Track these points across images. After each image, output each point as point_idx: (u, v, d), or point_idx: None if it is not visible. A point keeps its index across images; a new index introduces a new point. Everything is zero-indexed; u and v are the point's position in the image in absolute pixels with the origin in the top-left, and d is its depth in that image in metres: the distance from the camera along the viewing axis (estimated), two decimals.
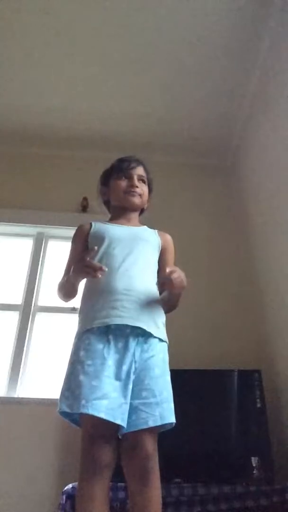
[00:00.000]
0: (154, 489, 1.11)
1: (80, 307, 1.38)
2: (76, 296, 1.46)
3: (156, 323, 1.30)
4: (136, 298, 1.29)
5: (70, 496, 1.61)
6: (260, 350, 2.39)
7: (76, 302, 2.58)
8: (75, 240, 1.54)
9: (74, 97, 2.77)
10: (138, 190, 1.53)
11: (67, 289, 1.44)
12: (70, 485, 1.67)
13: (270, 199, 2.43)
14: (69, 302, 1.49)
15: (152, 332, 1.26)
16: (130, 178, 1.53)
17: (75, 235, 1.54)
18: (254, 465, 1.84)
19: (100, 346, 1.22)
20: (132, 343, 1.23)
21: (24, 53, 2.50)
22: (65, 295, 1.46)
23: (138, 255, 1.39)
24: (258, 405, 2.06)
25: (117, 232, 1.45)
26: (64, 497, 1.64)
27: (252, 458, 1.86)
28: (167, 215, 2.60)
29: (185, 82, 2.65)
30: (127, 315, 1.25)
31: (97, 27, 2.35)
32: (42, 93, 2.74)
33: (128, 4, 2.23)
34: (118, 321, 1.24)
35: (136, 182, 1.53)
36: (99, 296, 1.30)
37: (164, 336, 1.32)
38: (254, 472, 1.82)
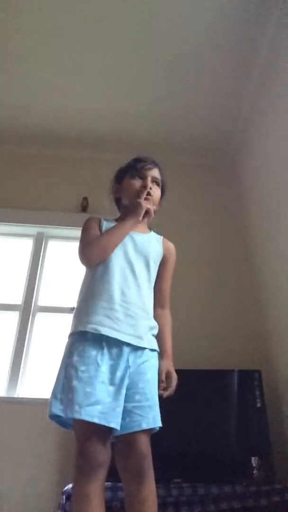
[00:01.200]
0: (150, 489, 1.13)
1: (76, 308, 1.36)
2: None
3: (148, 336, 1.31)
4: (131, 312, 1.29)
5: (70, 496, 1.61)
6: (260, 350, 2.39)
7: (76, 302, 2.59)
8: (90, 225, 1.46)
9: (74, 97, 2.76)
10: (151, 192, 1.49)
11: (116, 239, 1.38)
12: (70, 485, 1.66)
13: (270, 198, 2.43)
14: (103, 259, 1.36)
15: (143, 346, 1.28)
16: (144, 178, 1.49)
17: (90, 222, 1.47)
18: (254, 465, 1.84)
19: (93, 352, 1.22)
20: (126, 349, 1.25)
21: (24, 53, 2.50)
22: (110, 246, 1.37)
23: (139, 267, 1.39)
24: (258, 405, 2.06)
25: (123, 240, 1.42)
26: (64, 497, 1.64)
27: (252, 458, 1.86)
28: (167, 215, 2.59)
29: (185, 82, 2.65)
30: (121, 329, 1.25)
31: (97, 27, 2.35)
32: (42, 93, 2.74)
33: (128, 4, 2.23)
34: (110, 333, 1.24)
35: (150, 183, 1.49)
36: (96, 301, 1.30)
37: (155, 346, 1.34)
38: (254, 472, 1.82)
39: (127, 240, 1.41)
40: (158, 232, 1.58)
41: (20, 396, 2.33)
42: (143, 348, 1.27)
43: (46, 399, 2.21)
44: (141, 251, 1.42)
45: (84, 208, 2.84)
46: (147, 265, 1.42)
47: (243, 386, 2.12)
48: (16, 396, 2.32)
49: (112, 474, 1.17)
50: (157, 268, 1.47)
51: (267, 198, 2.49)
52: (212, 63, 2.53)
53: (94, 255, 1.37)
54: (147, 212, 1.43)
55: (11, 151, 3.06)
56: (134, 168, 1.53)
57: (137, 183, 1.49)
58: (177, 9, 2.24)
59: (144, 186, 1.47)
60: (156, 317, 1.40)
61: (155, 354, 1.33)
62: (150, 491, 1.12)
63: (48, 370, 2.41)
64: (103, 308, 1.27)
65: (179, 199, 2.96)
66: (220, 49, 2.44)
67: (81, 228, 2.42)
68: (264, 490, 1.70)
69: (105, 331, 1.24)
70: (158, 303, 1.45)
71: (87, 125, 2.96)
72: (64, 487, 1.69)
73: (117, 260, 1.36)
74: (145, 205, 1.43)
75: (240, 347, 2.40)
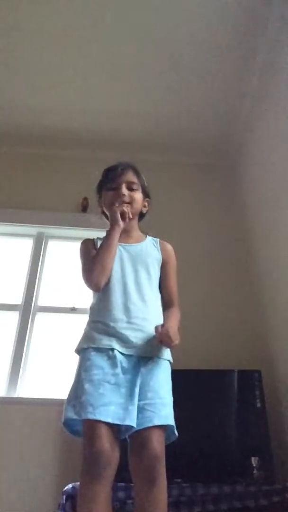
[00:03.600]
0: (161, 491, 1.12)
1: (86, 326, 1.38)
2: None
3: (159, 347, 1.30)
4: (139, 326, 1.30)
5: (70, 496, 1.61)
6: (260, 350, 2.38)
7: (76, 302, 2.60)
8: (86, 249, 1.47)
9: (74, 97, 2.76)
10: (125, 198, 1.47)
11: (107, 255, 1.37)
12: (70, 485, 1.66)
13: (271, 198, 2.43)
14: (106, 279, 1.36)
15: (155, 356, 1.28)
16: (117, 187, 1.48)
17: (85, 247, 1.48)
18: (254, 465, 1.84)
19: (105, 357, 1.24)
20: (136, 354, 1.27)
21: (24, 53, 2.50)
22: (106, 265, 1.36)
23: (138, 278, 1.39)
24: (258, 405, 2.06)
25: (117, 255, 1.42)
26: (64, 497, 1.64)
27: (252, 458, 1.86)
28: (166, 215, 2.60)
29: (185, 82, 2.65)
30: (130, 346, 1.27)
31: (96, 26, 2.34)
32: (42, 93, 2.74)
33: (128, 4, 2.23)
34: (122, 350, 1.26)
35: (124, 191, 1.47)
36: (102, 321, 1.31)
37: (167, 356, 1.33)
38: (254, 472, 1.82)
39: (123, 255, 1.43)
40: (154, 235, 1.58)
41: (20, 396, 2.32)
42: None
43: (46, 399, 2.23)
44: (139, 262, 1.43)
45: (84, 208, 2.84)
46: (148, 274, 1.42)
47: (243, 386, 2.12)
48: (16, 396, 2.31)
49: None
50: (158, 273, 1.47)
51: (267, 198, 2.49)
52: (212, 63, 2.52)
53: (97, 278, 1.35)
54: (123, 215, 1.42)
55: (11, 151, 3.06)
56: (107, 179, 1.53)
57: (111, 194, 1.49)
58: (177, 9, 2.24)
59: (118, 195, 1.46)
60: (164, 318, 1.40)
61: (167, 363, 1.33)
62: (160, 494, 1.12)
63: (48, 370, 2.42)
64: (110, 328, 1.29)
65: (179, 199, 2.97)
66: (220, 49, 2.44)
67: (81, 228, 2.47)
68: (264, 490, 1.70)
69: (117, 348, 1.26)
70: (166, 304, 1.45)
71: (87, 125, 2.96)
72: (64, 487, 1.69)
73: (116, 277, 1.37)
74: (117, 209, 1.43)
75: (240, 347, 2.40)
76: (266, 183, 2.53)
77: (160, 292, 1.46)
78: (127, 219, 1.44)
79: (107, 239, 1.40)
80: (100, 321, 1.32)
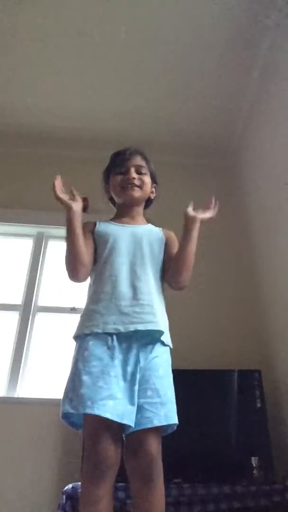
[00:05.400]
0: (158, 492, 1.10)
1: (84, 309, 1.34)
2: (83, 258, 1.39)
3: (161, 326, 1.28)
4: (142, 301, 1.28)
5: (70, 496, 1.61)
6: (260, 350, 2.39)
7: (76, 302, 2.60)
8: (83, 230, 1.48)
9: (74, 97, 2.77)
10: (135, 181, 1.46)
11: (71, 243, 1.42)
12: (70, 485, 1.67)
13: (270, 199, 2.43)
14: (78, 267, 1.38)
15: (161, 330, 1.26)
16: (126, 171, 1.48)
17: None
18: (254, 465, 1.84)
19: (104, 347, 1.20)
20: (135, 344, 1.23)
21: (25, 54, 2.50)
22: (72, 254, 1.41)
23: (143, 256, 1.38)
24: (258, 405, 2.06)
25: (121, 232, 1.42)
26: (64, 497, 1.64)
27: (252, 458, 1.86)
28: (166, 215, 2.59)
29: (185, 82, 2.65)
30: (135, 321, 1.23)
31: (97, 27, 2.35)
32: (42, 93, 2.74)
33: (128, 4, 2.23)
34: (127, 328, 1.22)
35: (133, 174, 1.47)
36: (105, 300, 1.27)
37: (168, 340, 1.31)
38: (254, 472, 1.82)
39: (127, 233, 1.41)
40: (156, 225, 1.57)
41: (20, 396, 2.32)
42: (154, 344, 1.25)
43: (46, 399, 2.23)
44: (144, 242, 1.41)
45: (84, 208, 2.83)
46: (152, 254, 1.41)
47: (243, 386, 2.12)
48: (16, 396, 2.31)
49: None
50: (162, 256, 1.45)
51: (267, 198, 2.49)
52: (212, 63, 2.53)
53: (73, 271, 1.38)
54: (85, 204, 1.43)
55: (11, 151, 3.05)
56: (115, 164, 1.52)
57: (120, 177, 1.49)
58: (177, 9, 2.24)
59: (128, 178, 1.46)
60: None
61: (167, 350, 1.30)
62: (157, 494, 1.10)
63: (48, 370, 2.42)
64: (115, 305, 1.25)
65: (179, 199, 2.95)
66: (220, 49, 2.44)
67: None
68: (264, 490, 1.70)
69: (124, 328, 1.22)
70: None
71: (87, 125, 2.96)
72: (64, 487, 1.69)
73: (121, 255, 1.36)
74: (57, 195, 1.44)
75: (240, 347, 2.40)
76: (266, 183, 2.53)
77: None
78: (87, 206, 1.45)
79: (66, 228, 1.41)
80: (104, 299, 1.28)
